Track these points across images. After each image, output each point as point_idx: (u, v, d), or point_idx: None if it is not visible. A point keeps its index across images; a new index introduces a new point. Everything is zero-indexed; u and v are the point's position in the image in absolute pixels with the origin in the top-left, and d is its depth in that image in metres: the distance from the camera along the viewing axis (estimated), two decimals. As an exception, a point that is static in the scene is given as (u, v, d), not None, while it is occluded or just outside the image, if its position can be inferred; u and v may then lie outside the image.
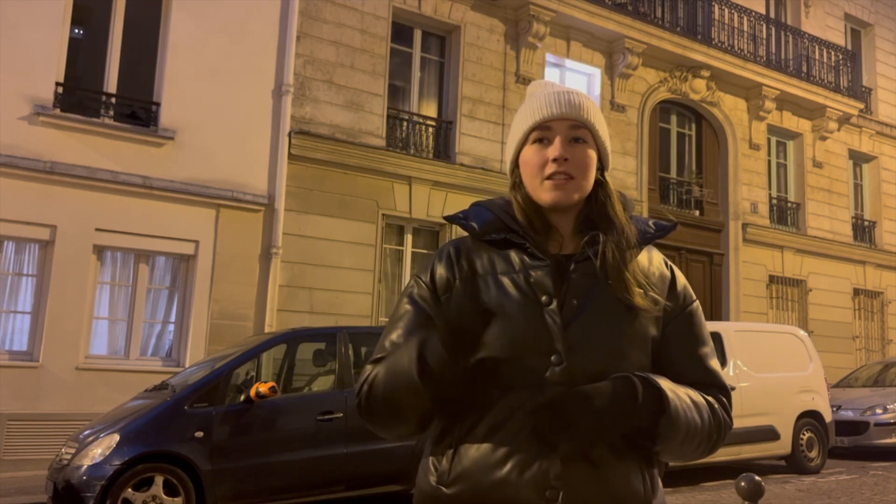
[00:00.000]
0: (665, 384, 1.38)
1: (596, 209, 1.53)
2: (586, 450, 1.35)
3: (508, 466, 1.35)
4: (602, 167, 1.57)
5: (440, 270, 1.51)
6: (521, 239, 1.49)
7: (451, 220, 1.57)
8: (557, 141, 1.50)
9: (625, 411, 1.33)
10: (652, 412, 1.35)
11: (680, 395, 1.40)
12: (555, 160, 1.48)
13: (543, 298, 1.42)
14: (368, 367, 1.47)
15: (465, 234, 1.58)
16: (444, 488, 1.40)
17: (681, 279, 1.57)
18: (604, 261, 1.45)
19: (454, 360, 1.31)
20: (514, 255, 1.48)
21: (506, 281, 1.45)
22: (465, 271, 1.48)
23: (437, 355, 1.31)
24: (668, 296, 1.52)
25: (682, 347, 1.50)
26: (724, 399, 1.50)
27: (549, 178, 1.49)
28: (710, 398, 1.48)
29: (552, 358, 1.38)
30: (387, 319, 1.56)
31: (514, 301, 1.42)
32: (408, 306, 1.51)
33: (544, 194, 1.50)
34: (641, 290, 1.46)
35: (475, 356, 1.35)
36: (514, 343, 1.39)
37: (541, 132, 1.52)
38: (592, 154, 1.53)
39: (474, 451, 1.38)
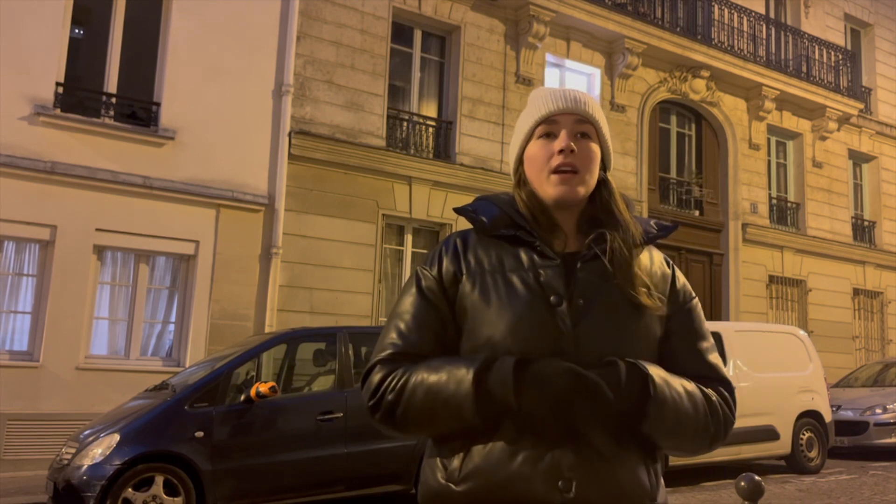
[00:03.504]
0: (655, 371, 1.39)
1: (600, 207, 1.54)
2: (596, 441, 1.36)
3: (520, 460, 1.35)
4: (604, 166, 1.58)
5: (447, 263, 1.51)
6: (530, 236, 1.49)
7: (460, 212, 1.57)
8: (563, 134, 1.51)
9: (611, 393, 1.34)
10: (637, 395, 1.36)
11: (672, 383, 1.41)
12: (561, 151, 1.49)
13: (553, 298, 1.42)
14: (382, 369, 1.44)
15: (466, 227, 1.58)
16: (453, 486, 1.39)
17: (680, 277, 1.59)
18: (612, 259, 1.46)
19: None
20: (522, 253, 1.48)
21: (514, 279, 1.45)
22: (472, 267, 1.48)
23: (504, 405, 1.34)
24: (669, 293, 1.53)
25: (683, 343, 1.52)
26: (725, 392, 1.51)
27: (555, 171, 1.49)
28: (709, 391, 1.48)
29: (562, 356, 1.39)
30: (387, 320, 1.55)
31: (523, 300, 1.42)
32: (416, 298, 1.49)
33: (550, 189, 1.50)
34: (646, 289, 1.47)
35: (491, 346, 1.38)
36: (524, 343, 1.39)
37: (547, 126, 1.53)
38: (597, 149, 1.54)
39: (485, 448, 1.38)
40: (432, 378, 1.38)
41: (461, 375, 1.36)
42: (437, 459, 1.44)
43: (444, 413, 1.37)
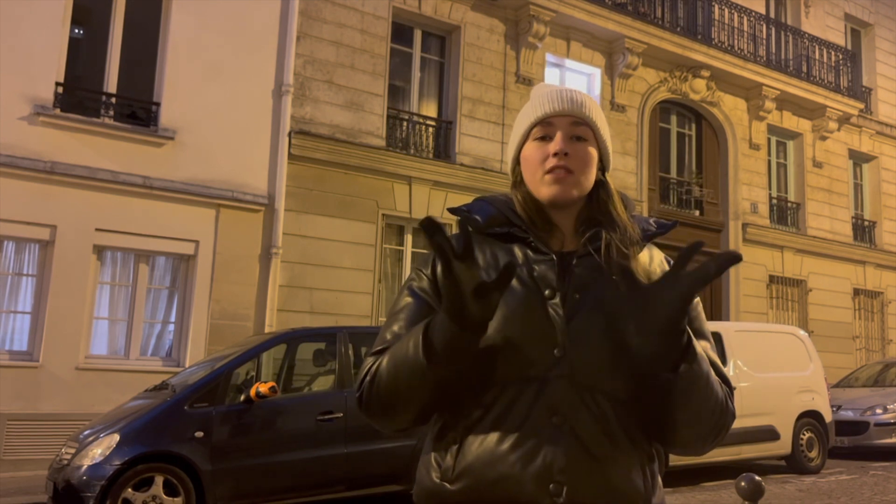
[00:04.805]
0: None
1: (598, 208, 1.53)
2: (588, 442, 1.35)
3: (511, 460, 1.34)
4: (603, 167, 1.57)
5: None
6: (524, 233, 1.49)
7: (455, 212, 1.57)
8: (558, 136, 1.51)
9: (680, 317, 1.28)
10: (681, 349, 1.32)
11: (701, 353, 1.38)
12: (555, 154, 1.49)
13: (547, 292, 1.42)
14: (370, 360, 1.45)
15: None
16: (447, 485, 1.39)
17: None
18: (607, 256, 1.46)
19: (462, 339, 1.29)
20: (517, 250, 1.48)
21: None
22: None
23: (443, 333, 1.29)
24: None
25: None
26: (727, 390, 1.50)
27: (548, 172, 1.49)
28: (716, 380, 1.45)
29: (555, 351, 1.38)
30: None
31: (517, 294, 1.42)
32: (409, 298, 1.50)
33: (544, 189, 1.50)
34: None
35: (483, 339, 1.33)
36: (517, 336, 1.38)
37: (542, 128, 1.53)
38: (593, 152, 1.53)
39: (477, 446, 1.37)
40: (396, 347, 1.39)
41: (416, 331, 1.35)
42: (432, 456, 1.44)
43: (404, 370, 1.34)
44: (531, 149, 1.53)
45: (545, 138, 1.52)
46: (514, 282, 1.43)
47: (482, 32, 12.80)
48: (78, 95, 9.94)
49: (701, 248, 1.26)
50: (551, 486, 1.32)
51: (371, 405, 1.43)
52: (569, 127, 1.52)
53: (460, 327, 1.27)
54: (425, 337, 1.31)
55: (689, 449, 1.47)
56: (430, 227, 1.21)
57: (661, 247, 1.61)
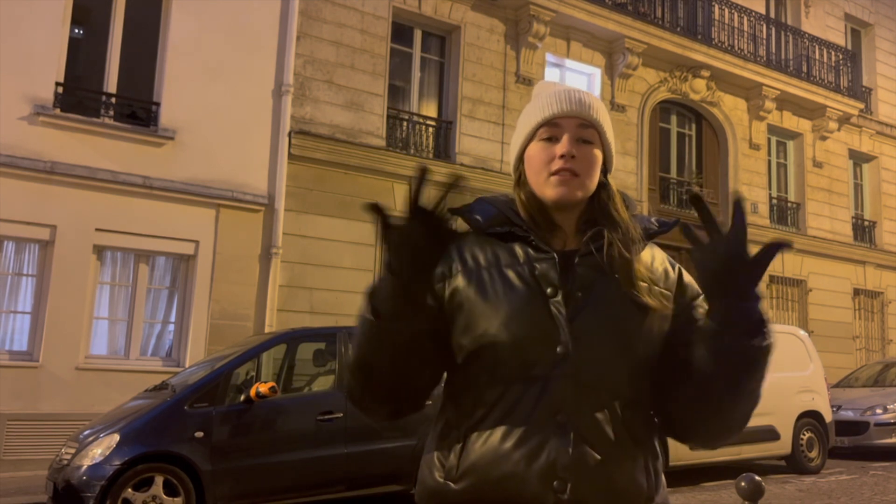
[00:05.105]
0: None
1: (599, 209, 1.52)
2: (592, 440, 1.35)
3: (515, 458, 1.34)
4: (605, 169, 1.56)
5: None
6: (525, 232, 1.48)
7: (456, 212, 1.56)
8: (566, 138, 1.49)
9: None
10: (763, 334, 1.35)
11: None
12: (562, 156, 1.48)
13: (549, 290, 1.42)
14: None
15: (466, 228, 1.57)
16: (451, 484, 1.38)
17: (686, 275, 1.57)
18: (609, 255, 1.45)
19: (399, 287, 1.34)
20: (518, 249, 1.48)
21: (510, 273, 1.44)
22: (468, 264, 1.48)
23: (382, 286, 1.36)
24: (676, 290, 1.51)
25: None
26: None
27: (554, 173, 1.48)
28: None
29: (558, 350, 1.38)
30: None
31: (519, 293, 1.42)
32: None
33: (549, 190, 1.49)
34: (646, 285, 1.45)
35: (485, 337, 1.37)
36: (519, 334, 1.38)
37: (549, 129, 1.52)
38: (598, 154, 1.53)
39: (481, 445, 1.37)
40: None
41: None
42: (435, 455, 1.44)
43: (366, 338, 1.37)
44: (536, 149, 1.52)
45: (551, 139, 1.51)
46: (516, 280, 1.43)
47: (482, 32, 12.80)
48: (78, 95, 9.94)
49: (788, 248, 1.39)
50: (555, 483, 1.32)
51: (352, 388, 1.45)
52: (576, 129, 1.51)
53: (392, 273, 1.36)
54: (368, 295, 1.37)
55: (711, 439, 1.48)
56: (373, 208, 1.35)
57: (662, 247, 1.61)
